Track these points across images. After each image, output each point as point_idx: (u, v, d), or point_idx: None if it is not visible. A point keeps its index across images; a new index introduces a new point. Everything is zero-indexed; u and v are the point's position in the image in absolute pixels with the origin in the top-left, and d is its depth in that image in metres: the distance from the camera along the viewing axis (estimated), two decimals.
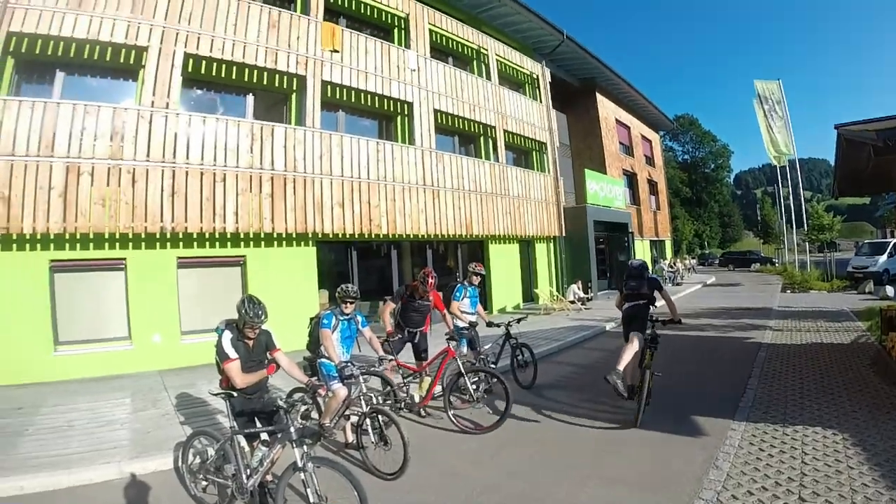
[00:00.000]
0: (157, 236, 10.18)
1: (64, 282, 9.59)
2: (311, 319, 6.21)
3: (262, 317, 4.20)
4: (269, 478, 4.36)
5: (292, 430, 3.90)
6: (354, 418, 5.57)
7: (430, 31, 16.37)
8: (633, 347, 6.19)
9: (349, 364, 5.31)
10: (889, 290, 18.69)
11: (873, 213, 57.07)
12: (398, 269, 15.03)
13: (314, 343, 5.88)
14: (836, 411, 6.22)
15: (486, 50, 18.65)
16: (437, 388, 6.82)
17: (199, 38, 10.94)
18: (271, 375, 4.48)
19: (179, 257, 10.60)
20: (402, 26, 15.70)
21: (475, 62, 18.64)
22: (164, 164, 10.11)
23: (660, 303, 6.85)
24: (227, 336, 4.22)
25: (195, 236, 10.61)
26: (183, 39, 10.73)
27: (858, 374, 8.00)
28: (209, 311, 10.64)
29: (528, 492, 4.63)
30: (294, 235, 11.96)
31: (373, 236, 13.59)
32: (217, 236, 10.90)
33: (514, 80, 20.75)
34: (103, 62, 10.25)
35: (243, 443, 4.47)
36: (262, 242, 11.64)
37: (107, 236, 9.69)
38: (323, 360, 5.64)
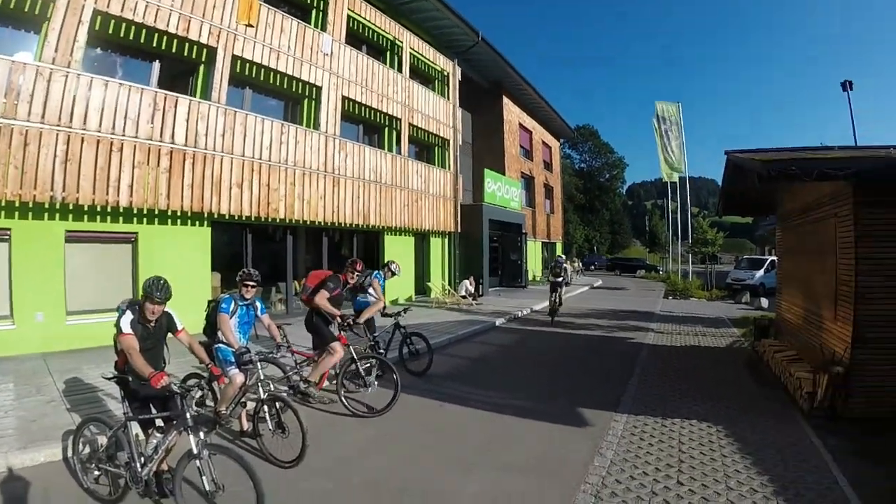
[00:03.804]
0: (46, 206, 9.94)
1: None
2: (210, 303, 6.30)
3: (160, 294, 4.26)
4: (164, 467, 4.41)
5: (188, 416, 3.99)
6: (251, 405, 5.76)
7: (349, 16, 16.89)
8: (553, 297, 15.76)
9: (247, 350, 5.46)
10: (764, 301, 21.41)
11: (754, 232, 63.82)
12: (293, 255, 15.50)
13: (211, 327, 5.98)
14: (711, 407, 7.14)
15: (402, 42, 19.49)
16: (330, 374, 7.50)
17: None
18: (167, 364, 4.60)
19: (68, 231, 10.37)
20: (321, 8, 16.11)
21: (389, 53, 19.43)
22: (60, 127, 9.90)
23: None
24: (128, 317, 4.26)
25: (86, 209, 10.48)
26: None
27: (733, 374, 9.27)
28: (97, 290, 10.72)
29: (424, 478, 5.08)
30: (189, 214, 12.09)
31: (269, 220, 14.01)
32: (109, 210, 10.83)
33: (424, 75, 21.74)
34: (6, 10, 9.76)
35: (137, 430, 4.57)
36: (156, 220, 11.68)
37: None
38: (220, 345, 5.73)
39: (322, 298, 7.14)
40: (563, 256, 18.07)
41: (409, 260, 20.18)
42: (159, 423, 4.34)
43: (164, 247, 11.71)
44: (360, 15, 17.36)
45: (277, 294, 15.00)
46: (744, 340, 12.82)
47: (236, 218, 13.08)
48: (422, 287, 20.90)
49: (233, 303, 5.81)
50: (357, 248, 18.20)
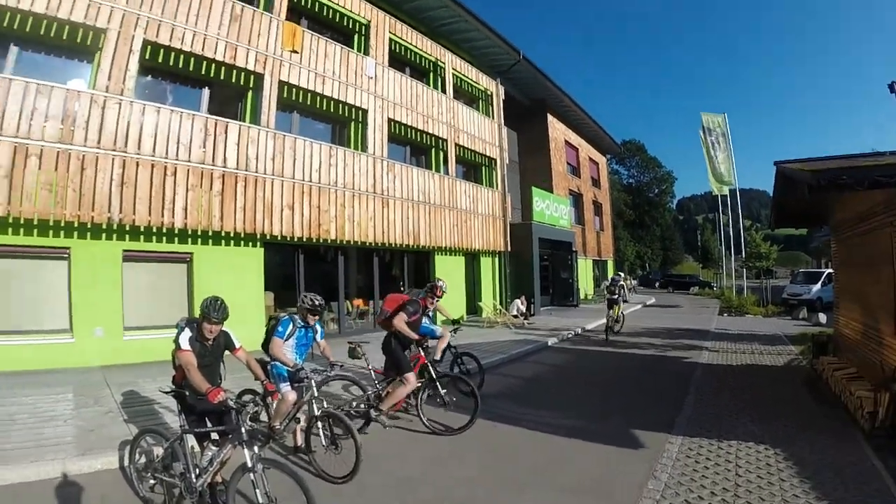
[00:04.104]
0: (104, 227, 10.26)
1: (2, 267, 9.55)
2: (271, 319, 6.33)
3: (216, 314, 4.35)
4: (218, 479, 4.47)
5: (243, 430, 4.03)
6: (304, 421, 5.75)
7: (391, 39, 17.12)
8: (610, 313, 16.33)
9: (302, 368, 5.53)
10: (822, 316, 20.22)
11: (809, 244, 61.37)
12: (345, 275, 15.51)
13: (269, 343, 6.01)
14: (768, 428, 6.76)
15: (444, 63, 19.59)
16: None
17: (159, 25, 11.13)
18: (223, 380, 4.64)
19: (125, 250, 10.69)
20: (363, 32, 16.35)
21: (432, 74, 19.54)
22: (115, 152, 10.25)
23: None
24: (186, 334, 4.38)
25: (142, 230, 10.76)
26: (143, 25, 10.88)
27: (791, 394, 8.81)
28: (153, 308, 10.94)
29: (477, 497, 4.96)
30: (242, 235, 12.28)
31: (321, 241, 14.07)
32: (164, 231, 11.08)
33: (468, 95, 21.76)
34: (60, 41, 10.21)
35: (192, 442, 4.66)
36: (210, 240, 11.90)
37: (52, 223, 9.66)
38: (275, 362, 5.80)
39: (400, 321, 6.98)
40: (621, 274, 18.23)
41: (460, 280, 19.99)
42: (214, 436, 4.42)
43: (219, 267, 11.88)
44: (401, 38, 17.55)
45: (330, 314, 14.94)
46: (802, 358, 12.21)
47: (288, 239, 13.20)
48: (473, 307, 20.59)
49: (290, 325, 5.85)
50: (407, 268, 18.12)
